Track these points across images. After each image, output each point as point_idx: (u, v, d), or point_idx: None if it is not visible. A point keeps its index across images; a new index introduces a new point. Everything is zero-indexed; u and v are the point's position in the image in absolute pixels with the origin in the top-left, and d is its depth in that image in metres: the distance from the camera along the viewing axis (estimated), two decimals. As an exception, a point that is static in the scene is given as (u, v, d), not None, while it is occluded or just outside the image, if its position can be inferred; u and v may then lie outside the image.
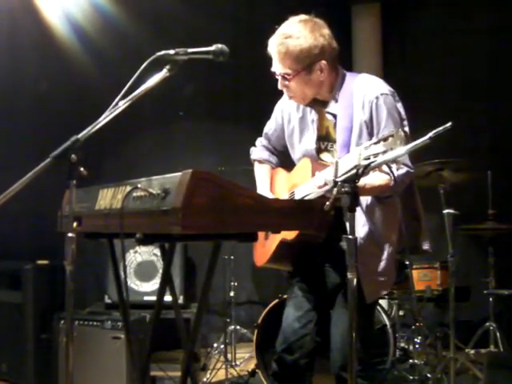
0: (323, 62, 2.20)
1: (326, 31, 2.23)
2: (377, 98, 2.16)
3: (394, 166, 2.08)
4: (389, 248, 2.25)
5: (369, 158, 1.73)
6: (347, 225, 2.12)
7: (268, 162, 2.58)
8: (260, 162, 2.60)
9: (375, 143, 1.71)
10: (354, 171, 1.78)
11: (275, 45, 2.21)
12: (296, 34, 2.18)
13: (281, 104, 2.49)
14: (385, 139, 1.68)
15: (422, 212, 2.38)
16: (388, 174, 2.06)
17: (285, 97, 2.44)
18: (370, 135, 2.15)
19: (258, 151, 2.61)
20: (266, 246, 2.36)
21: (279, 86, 2.28)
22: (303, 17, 2.24)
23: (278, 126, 2.50)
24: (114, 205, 1.93)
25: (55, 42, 4.95)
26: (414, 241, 2.38)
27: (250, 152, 2.64)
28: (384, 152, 1.68)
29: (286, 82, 2.24)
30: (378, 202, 2.21)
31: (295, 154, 2.42)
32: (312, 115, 2.35)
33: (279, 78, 2.26)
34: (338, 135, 2.23)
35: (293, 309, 2.39)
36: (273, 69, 2.26)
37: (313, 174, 2.15)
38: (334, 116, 2.26)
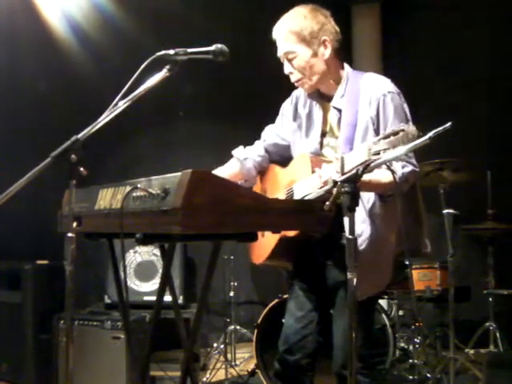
0: (325, 37, 2.24)
1: (326, 12, 2.30)
2: (384, 95, 2.17)
3: (399, 164, 2.08)
4: (385, 248, 2.24)
5: (378, 153, 1.71)
6: (345, 221, 2.12)
7: (239, 161, 2.59)
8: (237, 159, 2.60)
9: (384, 138, 1.70)
10: (355, 171, 1.77)
11: (278, 28, 2.28)
12: (296, 13, 2.27)
13: (286, 105, 2.51)
14: (395, 134, 1.67)
15: (425, 215, 2.37)
16: (392, 171, 2.06)
17: (289, 98, 2.46)
18: (376, 132, 2.15)
19: (242, 150, 2.61)
20: (263, 243, 2.34)
21: (285, 71, 2.30)
22: (303, 5, 2.31)
23: (282, 127, 2.51)
24: (113, 205, 1.93)
25: (55, 42, 4.95)
26: (414, 244, 2.37)
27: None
28: (394, 147, 1.66)
29: (293, 63, 2.26)
30: (380, 200, 2.20)
31: (297, 150, 2.41)
32: (317, 110, 2.35)
33: (285, 62, 2.29)
34: (341, 130, 2.23)
35: (294, 309, 2.39)
36: (278, 53, 2.29)
37: (313, 169, 2.14)
38: (339, 111, 2.26)
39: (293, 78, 2.31)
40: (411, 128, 1.64)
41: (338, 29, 2.29)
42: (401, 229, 2.26)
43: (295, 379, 2.38)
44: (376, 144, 1.72)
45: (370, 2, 5.67)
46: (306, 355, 2.34)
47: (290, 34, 2.24)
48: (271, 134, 2.56)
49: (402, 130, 1.65)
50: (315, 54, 2.24)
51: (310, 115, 2.38)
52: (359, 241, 2.14)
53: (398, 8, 5.62)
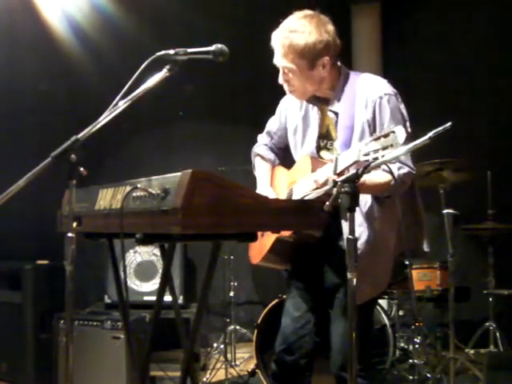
0: (326, 58, 2.18)
1: (331, 27, 2.21)
2: (380, 97, 2.16)
3: (395, 166, 2.08)
4: (384, 249, 2.23)
5: (368, 154, 1.72)
6: (343, 223, 2.13)
7: (271, 161, 2.57)
8: (263, 158, 2.58)
9: (375, 139, 1.71)
10: (355, 170, 1.78)
11: (279, 38, 2.19)
12: (301, 28, 2.16)
13: (284, 102, 2.49)
14: (385, 136, 1.67)
15: (424, 216, 2.37)
16: (389, 172, 2.06)
17: (288, 95, 2.44)
18: (372, 135, 2.14)
19: (264, 149, 2.59)
20: (261, 243, 2.34)
21: (280, 80, 2.27)
22: (308, 12, 2.22)
23: (282, 124, 2.50)
24: (113, 205, 1.93)
25: (55, 42, 4.95)
26: (414, 245, 2.37)
27: (254, 147, 2.61)
28: (384, 148, 1.67)
29: (288, 76, 2.22)
30: (377, 202, 2.20)
31: (297, 153, 2.41)
32: (314, 113, 2.34)
33: (281, 71, 2.24)
34: (338, 133, 2.22)
35: (292, 309, 2.39)
36: (274, 62, 2.24)
37: (312, 171, 2.14)
38: (336, 114, 2.25)
39: (286, 88, 2.29)
40: (401, 130, 1.64)
41: (339, 41, 2.23)
42: (401, 229, 2.26)
43: (293, 380, 2.37)
44: (367, 145, 1.73)
45: (370, 1, 5.67)
46: (303, 355, 2.34)
47: (290, 51, 2.16)
48: (274, 136, 2.56)
49: (392, 132, 1.65)
50: (314, 73, 2.20)
51: (305, 118, 2.37)
52: (357, 244, 2.13)
53: (398, 8, 5.62)
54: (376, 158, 1.71)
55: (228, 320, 4.53)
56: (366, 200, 2.19)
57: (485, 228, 4.25)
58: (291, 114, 2.43)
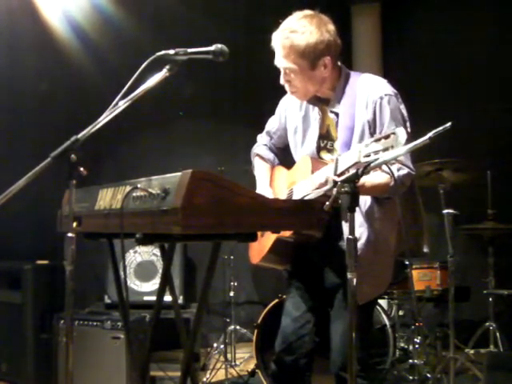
0: (327, 57, 2.18)
1: (332, 27, 2.20)
2: (381, 98, 2.16)
3: (394, 167, 2.08)
4: (385, 250, 2.23)
5: (369, 156, 1.72)
6: (343, 224, 2.13)
7: (270, 161, 2.57)
8: (263, 158, 2.58)
9: (376, 141, 1.71)
10: (355, 171, 1.78)
11: (279, 39, 2.19)
12: (301, 29, 2.15)
13: (284, 102, 2.49)
14: (386, 137, 1.67)
15: (424, 216, 2.37)
16: (389, 173, 2.06)
17: (288, 95, 2.44)
18: (372, 135, 2.14)
19: (263, 149, 2.59)
20: (261, 243, 2.34)
21: (281, 81, 2.27)
22: (308, 12, 2.22)
23: (281, 125, 2.50)
24: (113, 205, 1.93)
25: (55, 42, 4.95)
26: (414, 245, 2.37)
27: (254, 147, 2.62)
28: (384, 150, 1.67)
29: (290, 77, 2.22)
30: (377, 203, 2.20)
31: (297, 153, 2.41)
32: (314, 113, 2.34)
33: (282, 72, 2.24)
34: (339, 134, 2.22)
35: (291, 309, 2.39)
36: (275, 63, 2.24)
37: (312, 171, 2.15)
38: (336, 115, 2.25)
39: (287, 88, 2.29)
40: (402, 131, 1.64)
41: (339, 41, 2.23)
42: (401, 229, 2.26)
43: (293, 380, 2.37)
44: (367, 146, 1.73)
45: (370, 1, 5.67)
46: (303, 355, 2.34)
47: (292, 51, 2.16)
48: (273, 136, 2.56)
49: (393, 133, 1.65)
50: (315, 73, 2.20)
51: (306, 118, 2.37)
52: (358, 245, 2.13)
53: (398, 8, 5.62)
54: (376, 160, 1.71)
55: (228, 320, 4.53)
56: (365, 200, 2.19)
57: (485, 228, 4.25)
58: (291, 114, 2.43)
